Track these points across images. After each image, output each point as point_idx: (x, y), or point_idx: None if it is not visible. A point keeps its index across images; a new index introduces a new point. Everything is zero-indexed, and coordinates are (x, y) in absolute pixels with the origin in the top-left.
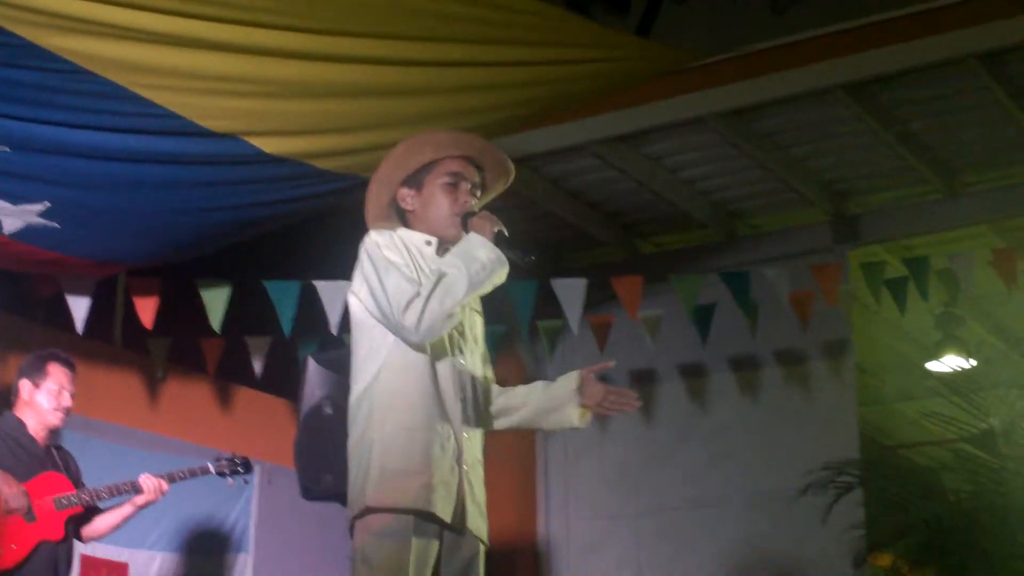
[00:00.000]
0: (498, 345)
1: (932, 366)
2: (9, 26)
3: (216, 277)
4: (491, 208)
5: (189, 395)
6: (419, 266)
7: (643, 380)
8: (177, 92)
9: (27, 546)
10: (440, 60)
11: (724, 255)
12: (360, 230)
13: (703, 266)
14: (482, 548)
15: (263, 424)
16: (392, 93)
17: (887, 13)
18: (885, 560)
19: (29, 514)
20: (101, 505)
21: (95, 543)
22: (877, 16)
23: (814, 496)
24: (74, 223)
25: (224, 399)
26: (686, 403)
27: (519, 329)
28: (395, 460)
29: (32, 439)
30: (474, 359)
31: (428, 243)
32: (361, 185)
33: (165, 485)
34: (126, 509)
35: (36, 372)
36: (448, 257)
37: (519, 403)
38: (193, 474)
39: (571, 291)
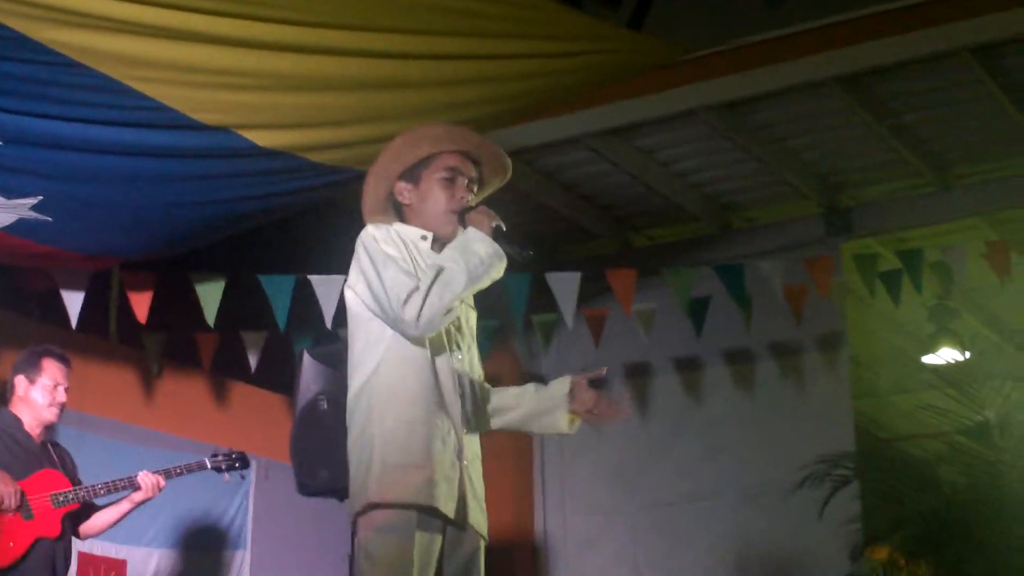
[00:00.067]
0: (492, 339)
1: (927, 359)
2: (1, 19)
3: (211, 271)
4: (484, 201)
5: (184, 390)
6: (416, 261)
7: (637, 374)
8: (170, 85)
9: (24, 544)
10: (433, 53)
11: (717, 248)
12: (355, 224)
13: (696, 259)
14: (482, 543)
15: (259, 419)
16: (385, 86)
17: (880, 6)
18: (882, 553)
19: (26, 511)
20: (98, 502)
21: (93, 540)
22: (870, 9)
23: (810, 489)
24: (67, 216)
25: (219, 394)
26: (681, 396)
27: (513, 323)
28: (396, 454)
29: (28, 435)
30: (471, 354)
31: (424, 238)
32: (355, 179)
33: (162, 482)
34: (123, 506)
35: (31, 368)
36: (446, 251)
37: (510, 404)
38: (190, 470)
39: (565, 284)
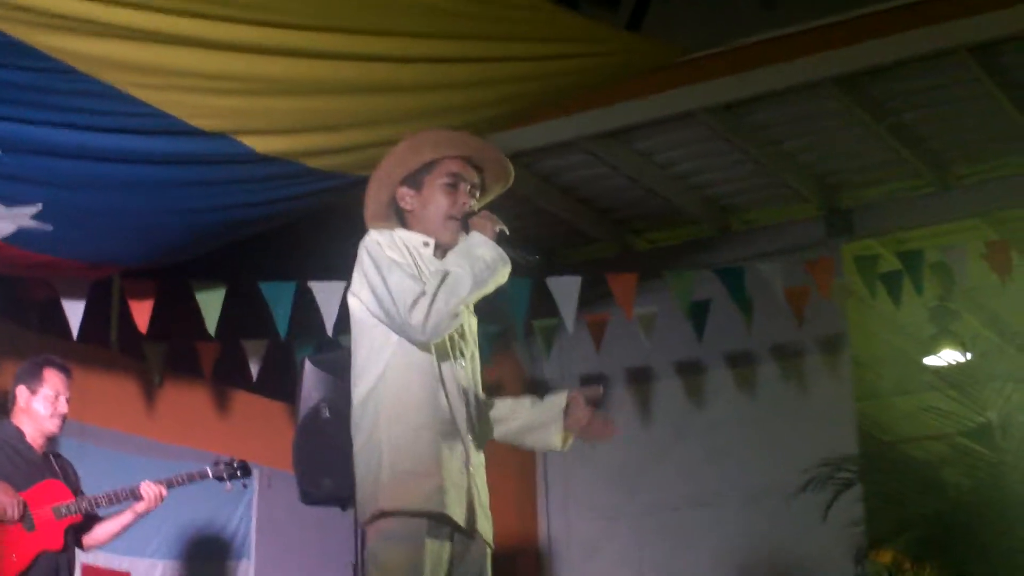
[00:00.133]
0: (494, 344)
1: (928, 360)
2: None
3: (211, 279)
4: (485, 206)
5: (186, 399)
6: (419, 266)
7: (639, 377)
8: (167, 91)
9: (27, 556)
10: (430, 56)
11: (718, 251)
12: (355, 230)
13: (696, 262)
14: (489, 551)
15: (261, 428)
16: (382, 90)
17: (877, 5)
18: (886, 556)
19: (29, 524)
20: (100, 513)
21: (96, 551)
22: (867, 8)
23: (813, 492)
24: (66, 224)
25: (221, 403)
26: (683, 400)
27: (514, 328)
28: (405, 462)
29: (30, 447)
30: (474, 361)
31: (426, 244)
32: (353, 184)
33: (164, 491)
34: (126, 516)
35: (32, 378)
36: (451, 256)
37: (504, 416)
38: (191, 479)
39: (566, 289)
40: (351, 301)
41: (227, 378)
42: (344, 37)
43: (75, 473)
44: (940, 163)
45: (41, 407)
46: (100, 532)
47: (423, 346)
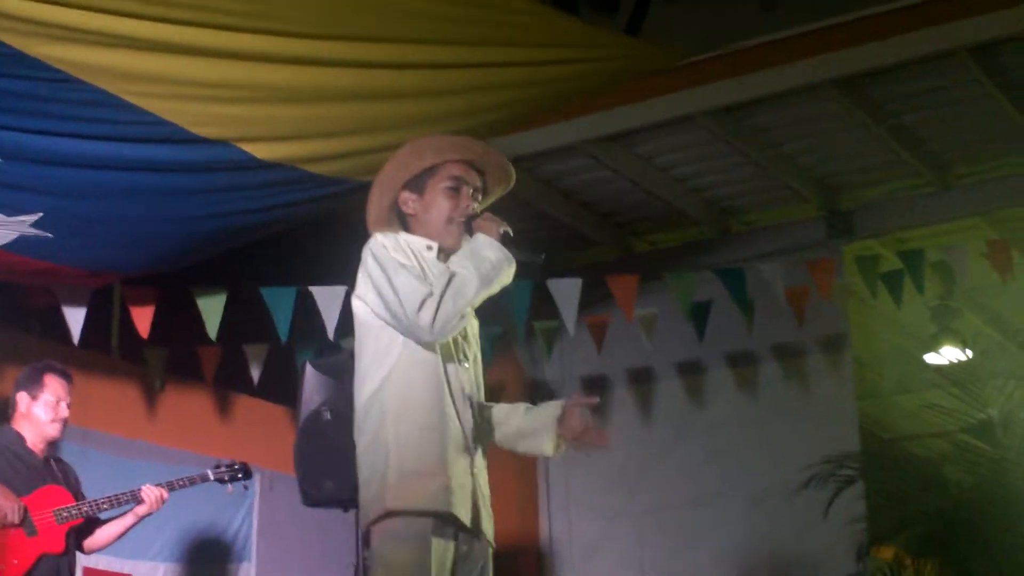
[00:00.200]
0: (495, 347)
1: (929, 358)
2: None
3: (212, 284)
4: (487, 210)
5: (187, 404)
6: (424, 269)
7: (640, 379)
8: (167, 99)
9: (28, 560)
10: (430, 63)
11: (718, 252)
12: (355, 235)
13: (697, 263)
14: (490, 550)
15: (263, 431)
16: (382, 96)
17: (876, 7)
18: (887, 553)
19: (30, 528)
20: (102, 516)
21: (97, 555)
22: (866, 11)
23: (815, 490)
24: (67, 232)
25: (222, 407)
26: (684, 401)
27: (515, 330)
28: (412, 462)
29: (31, 452)
30: (477, 364)
31: (429, 248)
32: (354, 190)
33: (165, 494)
34: (127, 520)
35: (33, 384)
36: (456, 258)
37: (499, 420)
38: (192, 482)
39: (566, 291)
40: (356, 304)
41: (228, 382)
42: (344, 44)
43: (76, 477)
44: (940, 163)
45: (42, 412)
46: (101, 536)
47: (429, 347)
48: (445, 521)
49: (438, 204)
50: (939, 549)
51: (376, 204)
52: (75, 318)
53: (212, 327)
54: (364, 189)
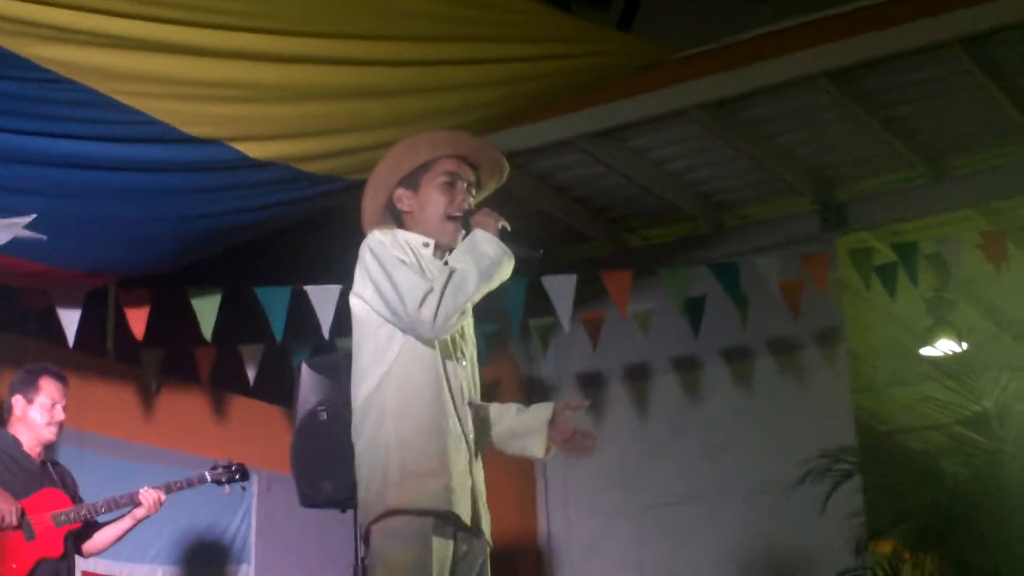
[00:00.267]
0: (491, 344)
1: (925, 351)
2: None
3: (206, 285)
4: (484, 204)
5: (183, 405)
6: (422, 266)
7: (636, 375)
8: (159, 99)
9: (27, 564)
10: (422, 60)
11: (712, 246)
12: (350, 233)
13: (692, 258)
14: (488, 549)
15: (259, 432)
16: (374, 94)
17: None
18: (886, 547)
19: (28, 532)
20: (100, 519)
21: (96, 558)
22: (859, 2)
23: (812, 485)
24: (61, 234)
25: (219, 408)
26: (680, 397)
27: (510, 328)
28: (414, 461)
29: (27, 456)
30: (473, 362)
31: (426, 245)
32: (348, 188)
33: (163, 497)
34: (126, 522)
35: (28, 387)
36: (455, 254)
37: (492, 420)
38: (190, 484)
39: (561, 287)
40: (353, 302)
41: (224, 383)
42: (337, 42)
43: (73, 481)
44: (933, 155)
45: (38, 416)
46: (100, 539)
47: (429, 344)
48: (446, 520)
49: (433, 200)
50: (937, 542)
51: (371, 202)
52: (70, 320)
53: (207, 328)
54: (358, 187)
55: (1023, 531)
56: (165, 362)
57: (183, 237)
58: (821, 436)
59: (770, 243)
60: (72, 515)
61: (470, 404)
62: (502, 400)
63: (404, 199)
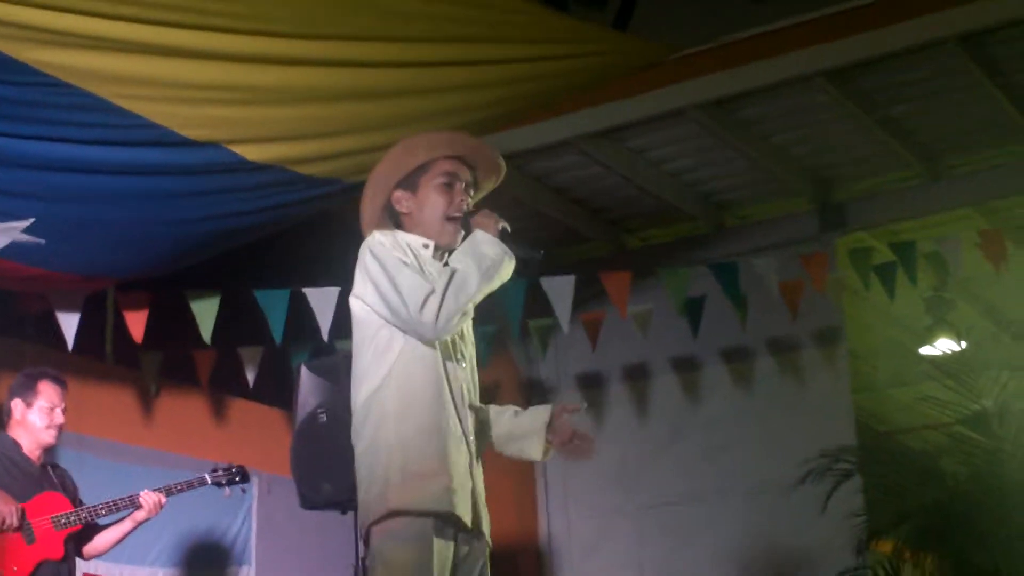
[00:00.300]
0: (490, 346)
1: (924, 350)
2: None
3: (205, 288)
4: (482, 205)
5: (183, 408)
6: (422, 267)
7: (635, 375)
8: (156, 102)
9: (28, 567)
10: (418, 61)
11: (711, 247)
12: (348, 236)
13: (690, 258)
14: (488, 550)
15: (259, 434)
16: (372, 96)
17: None
18: (886, 547)
19: (29, 535)
20: (100, 522)
21: (97, 561)
22: (855, 2)
23: (812, 485)
24: (59, 238)
25: (218, 411)
26: (679, 397)
27: (510, 329)
28: (415, 462)
29: (27, 459)
30: (473, 363)
31: (425, 246)
32: (346, 190)
33: (163, 500)
34: (126, 525)
35: (27, 391)
36: (456, 255)
37: (491, 422)
38: (190, 486)
39: (560, 288)
40: (353, 303)
41: (223, 386)
42: (334, 44)
43: (73, 483)
44: (932, 154)
45: (37, 419)
46: (100, 541)
47: (429, 345)
48: (446, 521)
49: (432, 201)
50: (937, 541)
51: (369, 204)
52: (69, 323)
53: (206, 330)
54: (357, 189)
55: (1023, 530)
56: (164, 365)
57: (182, 240)
58: (821, 436)
59: (769, 243)
60: (72, 518)
61: (470, 406)
62: (501, 401)
63: (403, 200)
